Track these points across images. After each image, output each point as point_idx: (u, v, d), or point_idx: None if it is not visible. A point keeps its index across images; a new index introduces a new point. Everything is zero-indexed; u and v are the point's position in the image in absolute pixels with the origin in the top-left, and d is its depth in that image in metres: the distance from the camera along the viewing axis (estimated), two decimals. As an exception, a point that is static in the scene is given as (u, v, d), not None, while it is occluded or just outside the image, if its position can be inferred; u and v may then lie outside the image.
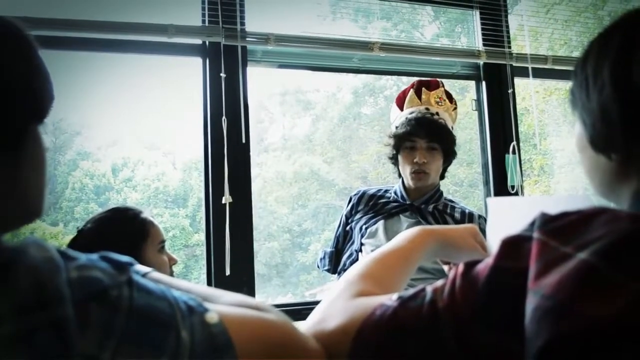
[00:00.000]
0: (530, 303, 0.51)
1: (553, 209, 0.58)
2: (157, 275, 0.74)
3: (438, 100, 2.04)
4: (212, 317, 0.60)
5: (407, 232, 0.93)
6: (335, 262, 2.17)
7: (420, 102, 2.03)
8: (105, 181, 9.04)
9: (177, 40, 2.36)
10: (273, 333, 0.64)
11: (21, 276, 0.49)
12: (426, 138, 1.96)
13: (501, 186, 2.79)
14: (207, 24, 2.38)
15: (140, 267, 0.69)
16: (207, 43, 2.40)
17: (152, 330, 0.54)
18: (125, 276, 0.56)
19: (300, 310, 2.31)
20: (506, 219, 0.88)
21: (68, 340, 0.48)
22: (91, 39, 2.27)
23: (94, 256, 0.57)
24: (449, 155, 2.03)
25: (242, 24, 2.41)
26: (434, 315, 0.60)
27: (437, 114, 2.00)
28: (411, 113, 2.00)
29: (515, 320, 0.52)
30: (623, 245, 0.49)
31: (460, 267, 0.62)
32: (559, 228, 0.55)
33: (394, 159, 2.07)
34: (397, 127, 2.03)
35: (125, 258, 0.59)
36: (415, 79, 2.14)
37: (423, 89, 2.04)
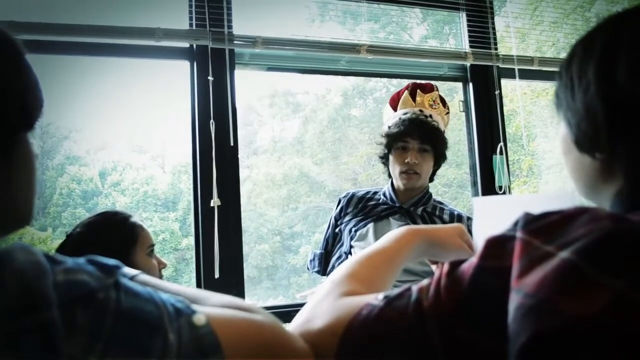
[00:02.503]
0: (513, 301, 0.51)
1: (537, 208, 0.59)
2: (145, 277, 0.73)
3: (432, 103, 2.04)
4: (199, 319, 0.60)
5: (393, 232, 0.93)
6: (324, 263, 2.17)
7: (415, 103, 2.03)
8: (92, 186, 8.99)
9: (165, 44, 2.35)
10: (261, 334, 0.64)
11: (7, 280, 0.49)
12: (419, 139, 1.96)
13: (489, 187, 2.81)
14: (194, 27, 2.38)
15: (128, 270, 0.69)
16: (194, 46, 2.40)
17: (139, 333, 0.54)
18: (112, 279, 0.56)
19: (291, 312, 2.30)
20: (492, 218, 0.89)
21: (54, 344, 0.48)
22: (78, 43, 2.26)
23: (81, 260, 0.57)
24: (440, 158, 2.04)
25: (230, 27, 2.41)
26: (419, 314, 0.60)
27: (431, 116, 2.00)
28: (405, 114, 2.00)
29: (498, 319, 0.53)
30: (604, 244, 0.49)
31: (445, 267, 0.63)
32: (541, 227, 0.55)
33: (385, 159, 2.06)
34: (390, 127, 2.03)
35: (112, 261, 0.59)
36: (404, 80, 2.14)
37: (418, 91, 2.05)
